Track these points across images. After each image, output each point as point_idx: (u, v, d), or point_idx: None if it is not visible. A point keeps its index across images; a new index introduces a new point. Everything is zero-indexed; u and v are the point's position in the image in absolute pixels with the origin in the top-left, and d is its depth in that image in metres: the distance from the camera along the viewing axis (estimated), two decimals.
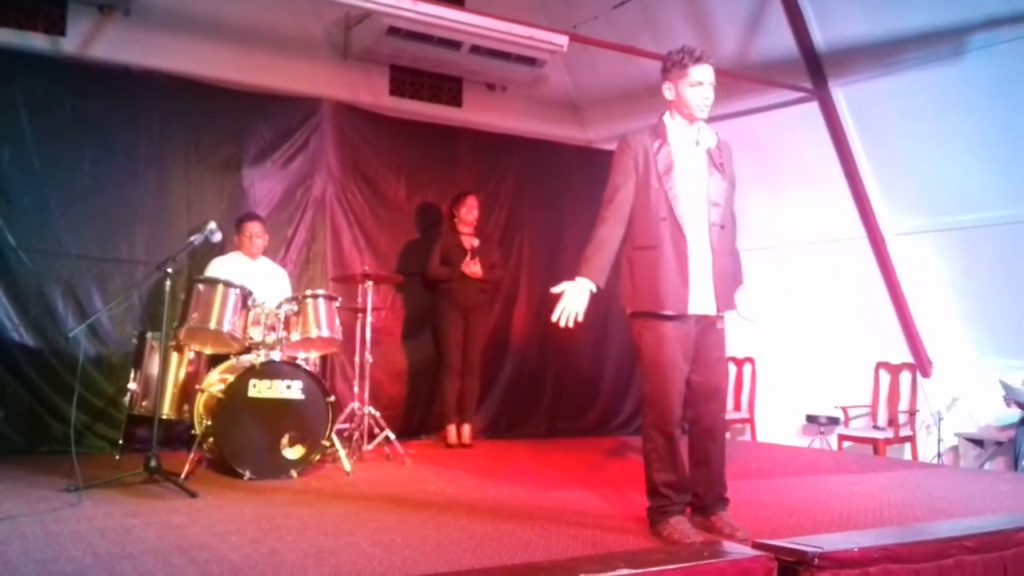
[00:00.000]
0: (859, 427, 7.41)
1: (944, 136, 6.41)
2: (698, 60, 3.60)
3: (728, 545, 3.24)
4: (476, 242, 6.69)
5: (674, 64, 3.65)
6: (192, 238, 4.92)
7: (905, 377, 7.26)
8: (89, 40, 6.46)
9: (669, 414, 3.57)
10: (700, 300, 3.60)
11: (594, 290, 3.55)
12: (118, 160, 5.98)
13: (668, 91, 3.68)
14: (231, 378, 4.87)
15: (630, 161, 3.64)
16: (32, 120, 5.71)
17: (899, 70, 6.46)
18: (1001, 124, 6.13)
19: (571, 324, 3.51)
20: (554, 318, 3.52)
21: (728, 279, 3.71)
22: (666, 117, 3.72)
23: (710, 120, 3.78)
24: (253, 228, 5.81)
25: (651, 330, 3.58)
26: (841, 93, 6.89)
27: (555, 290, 3.57)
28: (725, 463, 3.79)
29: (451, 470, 5.45)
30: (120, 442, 5.15)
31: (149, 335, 5.21)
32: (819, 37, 6.76)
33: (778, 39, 6.93)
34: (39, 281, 5.68)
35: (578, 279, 3.56)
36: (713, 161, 3.70)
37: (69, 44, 6.41)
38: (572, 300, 3.51)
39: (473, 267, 6.57)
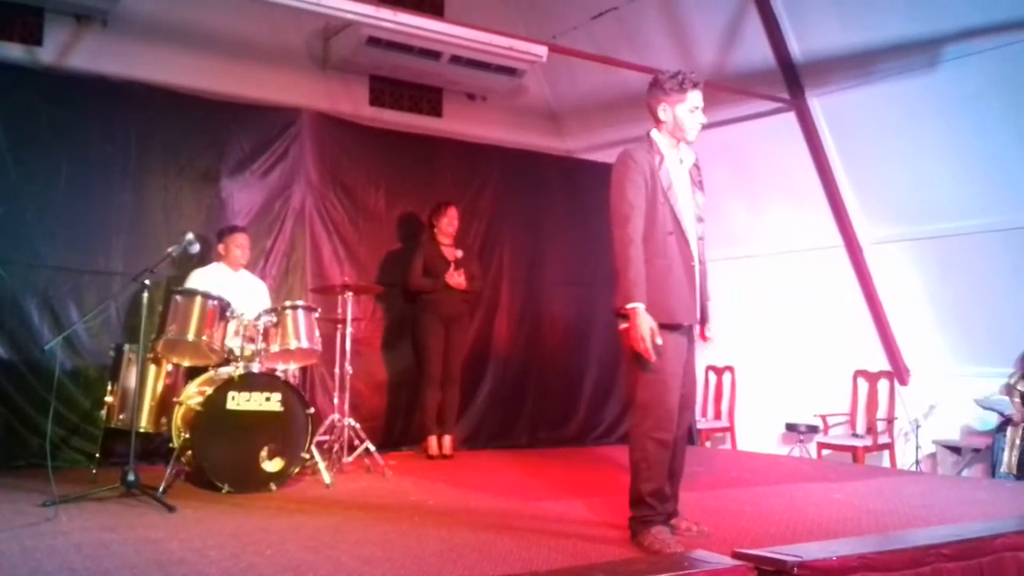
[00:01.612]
0: (838, 435, 7.46)
1: (919, 145, 6.49)
2: (695, 85, 3.70)
3: (708, 555, 3.25)
4: (460, 253, 6.69)
5: (672, 88, 3.70)
6: (170, 249, 4.88)
7: (883, 385, 7.32)
8: (66, 50, 6.43)
9: (668, 422, 3.60)
10: (696, 311, 3.72)
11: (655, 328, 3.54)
12: (95, 171, 5.93)
13: (663, 112, 3.73)
14: (209, 390, 4.84)
15: (640, 177, 3.64)
16: (8, 130, 5.65)
17: (875, 80, 6.53)
18: (975, 134, 6.21)
19: (657, 345, 3.50)
20: (644, 349, 3.48)
21: (705, 290, 3.81)
22: (654, 135, 3.77)
23: (700, 130, 3.84)
24: (241, 239, 5.78)
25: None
26: (818, 103, 6.96)
27: (623, 327, 3.57)
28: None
29: (432, 481, 5.44)
30: (97, 456, 5.10)
31: (126, 347, 5.16)
32: (796, 48, 6.83)
33: (755, 50, 7.00)
34: (14, 293, 5.62)
35: (634, 306, 3.52)
36: (693, 179, 3.82)
37: (46, 54, 6.37)
38: (645, 328, 3.49)
39: (458, 278, 6.56)
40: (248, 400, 4.87)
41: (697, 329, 3.82)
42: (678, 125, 3.71)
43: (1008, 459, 6.22)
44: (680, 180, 3.74)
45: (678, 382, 3.62)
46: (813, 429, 7.46)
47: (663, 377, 3.57)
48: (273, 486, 4.87)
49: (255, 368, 5.01)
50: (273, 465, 4.91)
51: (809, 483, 5.60)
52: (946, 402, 6.96)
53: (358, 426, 5.76)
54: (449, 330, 6.65)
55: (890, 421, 7.21)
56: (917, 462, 6.94)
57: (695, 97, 3.69)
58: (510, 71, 7.55)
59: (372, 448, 5.70)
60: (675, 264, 3.64)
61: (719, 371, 8.30)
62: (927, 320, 7.01)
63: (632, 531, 3.66)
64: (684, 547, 3.47)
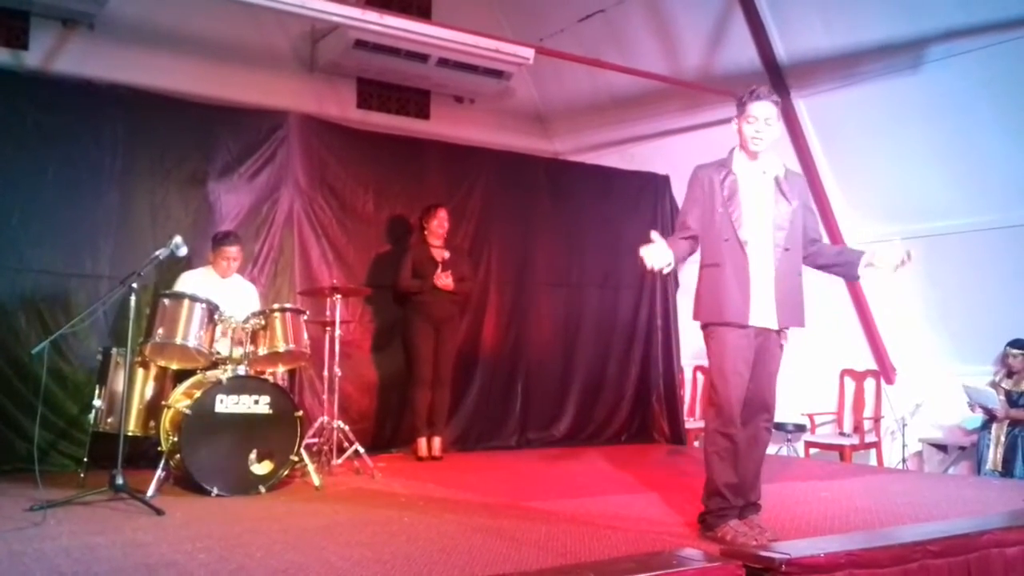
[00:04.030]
0: (825, 434, 7.49)
1: (904, 145, 6.53)
2: (757, 98, 3.87)
3: (697, 552, 3.28)
4: (447, 254, 6.69)
5: (738, 103, 3.94)
6: (157, 253, 4.87)
7: (870, 384, 7.36)
8: (52, 54, 6.41)
9: (733, 418, 3.77)
10: (760, 313, 3.81)
11: (671, 262, 3.72)
12: (82, 174, 5.90)
13: (734, 126, 3.96)
14: (198, 393, 4.83)
15: (698, 190, 3.92)
16: None
17: (859, 81, 6.58)
18: (959, 134, 6.25)
19: (657, 269, 3.70)
20: (647, 261, 3.68)
21: (792, 297, 3.92)
22: (735, 150, 3.98)
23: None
24: (229, 252, 5.65)
25: (716, 339, 3.81)
26: (803, 104, 7.00)
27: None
28: (761, 471, 3.98)
29: (421, 483, 5.44)
30: (85, 460, 5.09)
31: (114, 351, 5.15)
32: (781, 49, 6.86)
33: (741, 51, 7.03)
34: (1, 298, 5.60)
35: (660, 240, 3.74)
36: (780, 188, 3.92)
37: (32, 58, 6.35)
38: (656, 253, 3.69)
39: (445, 280, 6.55)
40: (236, 403, 4.87)
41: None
42: (742, 137, 3.92)
43: (993, 456, 6.27)
44: (752, 190, 3.87)
45: (740, 380, 3.76)
46: (800, 428, 7.50)
47: (725, 375, 3.77)
48: (262, 488, 4.87)
49: (243, 371, 5.00)
50: (262, 468, 4.91)
51: (797, 482, 5.63)
52: (932, 401, 7.00)
53: (347, 428, 5.76)
54: (439, 332, 6.65)
55: (877, 420, 7.25)
56: (903, 460, 6.98)
57: (754, 108, 3.86)
58: (497, 74, 7.57)
59: (361, 450, 5.70)
60: (727, 268, 3.80)
61: (706, 370, 8.30)
62: (913, 319, 7.05)
63: (707, 524, 3.77)
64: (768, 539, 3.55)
